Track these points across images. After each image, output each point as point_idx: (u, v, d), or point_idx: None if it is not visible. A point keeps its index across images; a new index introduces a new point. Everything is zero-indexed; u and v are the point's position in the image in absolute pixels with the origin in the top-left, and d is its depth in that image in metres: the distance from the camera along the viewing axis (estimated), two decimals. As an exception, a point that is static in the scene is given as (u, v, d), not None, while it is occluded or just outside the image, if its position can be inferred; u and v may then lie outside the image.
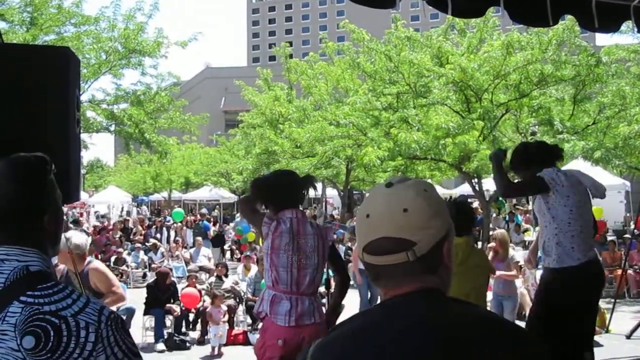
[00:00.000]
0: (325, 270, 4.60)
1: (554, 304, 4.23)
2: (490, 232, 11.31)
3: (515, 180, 4.87)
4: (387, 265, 1.41)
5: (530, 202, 16.56)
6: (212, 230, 21.76)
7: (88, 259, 5.86)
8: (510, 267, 8.77)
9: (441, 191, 29.75)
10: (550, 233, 4.32)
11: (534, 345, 1.37)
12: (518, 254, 10.05)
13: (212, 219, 25.18)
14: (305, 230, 4.07)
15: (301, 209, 4.27)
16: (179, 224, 23.87)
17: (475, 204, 22.25)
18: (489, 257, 7.86)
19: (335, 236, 4.41)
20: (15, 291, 1.55)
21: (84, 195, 40.64)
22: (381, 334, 1.35)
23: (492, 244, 8.78)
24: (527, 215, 21.13)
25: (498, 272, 7.64)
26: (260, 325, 4.27)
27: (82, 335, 1.53)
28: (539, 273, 10.34)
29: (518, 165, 4.70)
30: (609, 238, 16.47)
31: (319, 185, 29.96)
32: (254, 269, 11.65)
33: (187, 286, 11.57)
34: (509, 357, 1.30)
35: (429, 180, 24.74)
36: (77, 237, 5.71)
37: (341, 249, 17.12)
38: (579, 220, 4.24)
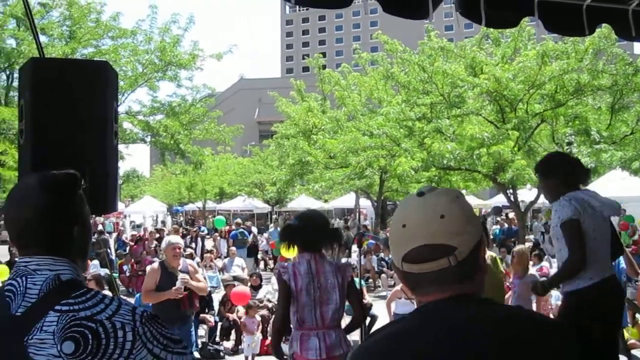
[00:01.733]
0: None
1: (572, 326, 4.16)
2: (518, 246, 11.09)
3: (569, 252, 4.34)
4: (428, 273, 1.42)
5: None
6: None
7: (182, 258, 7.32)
8: (528, 286, 8.66)
9: (475, 202, 29.54)
10: (565, 257, 4.28)
11: (568, 337, 1.41)
12: (535, 272, 9.83)
13: (246, 229, 25.27)
14: (324, 269, 4.26)
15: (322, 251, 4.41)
16: (217, 233, 24.02)
17: (511, 215, 22.03)
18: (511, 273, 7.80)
19: (351, 272, 4.56)
20: (50, 301, 1.61)
21: (120, 205, 41.21)
22: (419, 338, 1.37)
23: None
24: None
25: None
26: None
27: (120, 336, 1.60)
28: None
29: (541, 172, 4.67)
30: (649, 250, 16.12)
31: (352, 196, 30.01)
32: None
33: (223, 296, 11.63)
34: (557, 352, 1.33)
35: (463, 191, 24.56)
36: (176, 238, 7.54)
37: (374, 259, 17.10)
38: (591, 243, 4.16)
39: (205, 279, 13.00)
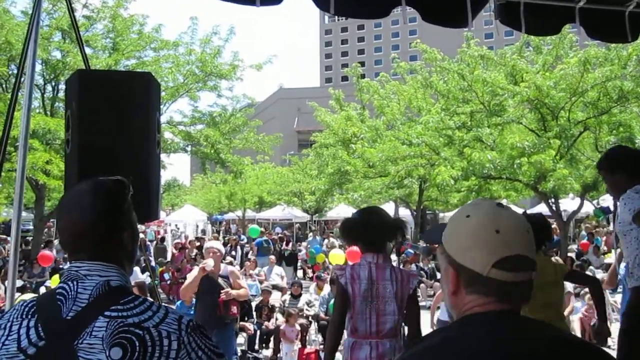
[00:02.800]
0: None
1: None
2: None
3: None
4: (516, 282, 1.43)
5: (612, 224, 15.99)
6: (285, 249, 21.97)
7: (224, 263, 7.62)
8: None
9: (517, 211, 29.13)
10: (634, 253, 4.10)
11: None
12: (569, 285, 9.66)
13: (285, 238, 25.40)
14: (384, 276, 3.95)
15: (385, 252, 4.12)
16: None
17: (553, 225, 21.68)
18: None
19: (415, 283, 4.17)
20: (100, 306, 1.64)
21: (161, 214, 41.75)
22: (460, 349, 1.37)
23: None
24: (608, 236, 20.42)
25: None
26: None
27: (165, 344, 1.62)
28: (618, 297, 9.98)
29: (605, 167, 4.47)
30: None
31: (391, 205, 29.89)
32: (327, 288, 11.69)
33: (260, 302, 11.70)
34: None
35: (504, 201, 24.31)
36: (219, 244, 7.62)
37: (413, 267, 16.97)
38: None
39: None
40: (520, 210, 28.24)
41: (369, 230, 4.01)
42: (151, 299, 1.75)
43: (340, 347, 4.26)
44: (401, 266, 16.77)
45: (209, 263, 6.87)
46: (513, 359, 1.33)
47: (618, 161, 4.35)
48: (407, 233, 4.22)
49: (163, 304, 1.76)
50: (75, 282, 1.69)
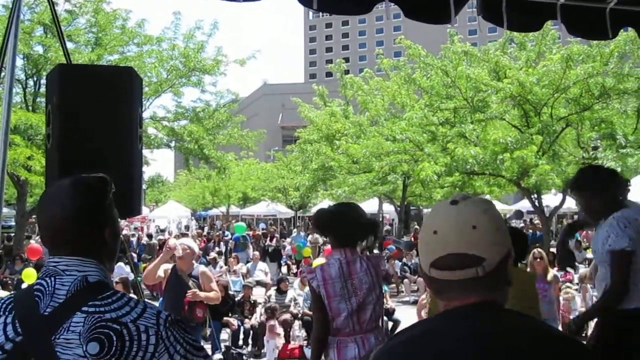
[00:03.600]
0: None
1: (609, 345, 3.99)
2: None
3: (612, 281, 4.01)
4: (455, 280, 1.44)
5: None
6: (269, 245, 22.01)
7: (196, 263, 7.01)
8: (555, 289, 8.66)
9: (500, 207, 29.30)
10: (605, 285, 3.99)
11: (588, 355, 1.39)
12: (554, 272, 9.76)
13: (269, 234, 25.40)
14: (356, 270, 3.92)
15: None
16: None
17: (536, 220, 21.86)
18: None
19: (385, 264, 4.18)
20: (77, 302, 1.64)
21: (144, 210, 41.59)
22: (441, 341, 1.39)
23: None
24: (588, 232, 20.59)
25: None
26: None
27: (144, 339, 1.63)
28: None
29: (584, 190, 4.14)
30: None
31: (375, 201, 29.97)
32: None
33: (241, 297, 11.70)
34: None
35: (487, 196, 24.43)
36: (190, 241, 7.04)
37: (397, 264, 17.04)
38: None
39: (230, 283, 13.11)
40: (503, 207, 28.42)
41: (344, 223, 3.98)
42: (130, 294, 1.75)
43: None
44: (385, 262, 16.84)
45: (179, 248, 6.49)
46: (492, 352, 1.34)
47: (591, 183, 4.10)
48: (379, 234, 4.18)
49: (142, 299, 1.75)
50: (53, 278, 1.69)
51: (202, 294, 6.54)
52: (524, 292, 4.29)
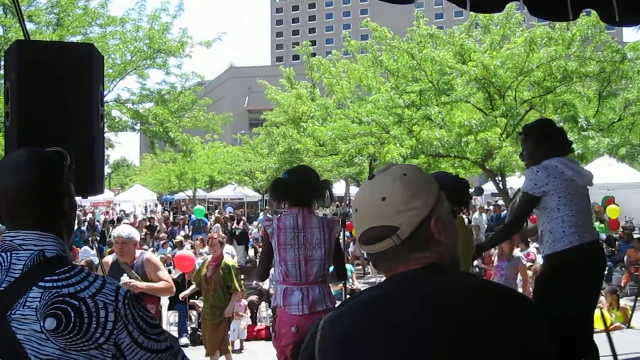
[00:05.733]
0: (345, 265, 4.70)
1: (550, 290, 4.20)
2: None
3: (512, 216, 4.86)
4: (380, 252, 1.49)
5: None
6: (236, 228, 22.00)
7: (140, 250, 6.45)
8: (517, 269, 8.80)
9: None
10: (542, 222, 4.32)
11: (531, 310, 1.43)
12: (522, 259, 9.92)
13: (236, 217, 25.37)
14: (311, 224, 4.24)
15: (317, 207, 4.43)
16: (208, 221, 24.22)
17: (500, 202, 22.15)
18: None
19: (339, 229, 4.48)
20: (34, 277, 1.61)
21: (109, 194, 41.13)
22: (385, 308, 1.41)
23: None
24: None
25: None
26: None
27: (102, 315, 1.60)
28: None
29: (529, 137, 4.55)
30: (635, 236, 16.28)
31: (342, 184, 30.04)
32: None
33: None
34: (502, 320, 1.36)
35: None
36: (129, 229, 6.24)
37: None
38: (569, 205, 4.19)
39: (195, 265, 13.04)
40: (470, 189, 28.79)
41: (297, 189, 4.27)
42: (88, 269, 1.72)
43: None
44: (352, 243, 16.93)
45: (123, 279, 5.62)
46: (431, 310, 1.36)
47: (547, 135, 4.47)
48: (331, 192, 4.48)
49: (100, 274, 1.73)
50: (9, 253, 1.66)
51: (142, 284, 5.73)
52: (467, 243, 4.59)
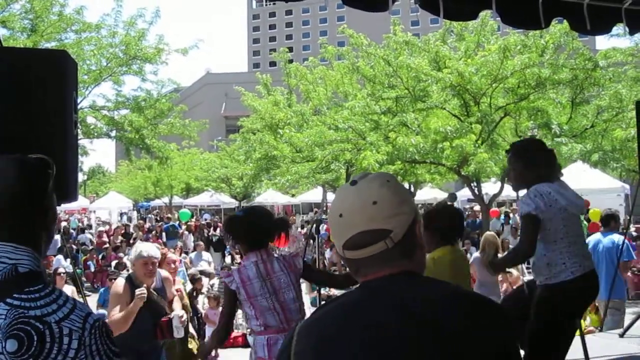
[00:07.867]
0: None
1: (552, 319, 4.16)
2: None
3: (519, 241, 4.46)
4: (368, 257, 1.49)
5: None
6: (213, 235, 21.92)
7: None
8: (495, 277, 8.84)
9: (441, 195, 29.84)
10: (539, 253, 4.19)
11: (503, 315, 1.46)
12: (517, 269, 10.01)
13: (213, 224, 25.26)
14: (274, 269, 4.03)
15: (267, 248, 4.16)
16: (184, 227, 24.12)
17: (476, 207, 22.32)
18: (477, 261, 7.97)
19: (301, 261, 4.31)
20: (2, 293, 1.54)
21: (85, 201, 40.71)
22: (362, 314, 1.43)
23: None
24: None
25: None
26: None
27: (65, 342, 1.53)
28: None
29: (518, 160, 4.36)
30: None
31: (319, 190, 30.06)
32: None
33: (192, 289, 11.59)
34: (477, 327, 1.38)
35: (429, 184, 24.62)
36: (154, 246, 5.59)
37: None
38: (565, 238, 4.11)
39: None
40: (444, 195, 28.90)
41: (251, 231, 4.09)
42: (60, 289, 1.64)
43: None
44: (329, 250, 16.95)
45: (144, 292, 4.92)
46: (408, 317, 1.38)
47: (529, 153, 4.31)
48: (289, 230, 4.32)
49: (71, 297, 1.63)
50: None
51: (181, 312, 5.27)
52: (459, 270, 4.51)
